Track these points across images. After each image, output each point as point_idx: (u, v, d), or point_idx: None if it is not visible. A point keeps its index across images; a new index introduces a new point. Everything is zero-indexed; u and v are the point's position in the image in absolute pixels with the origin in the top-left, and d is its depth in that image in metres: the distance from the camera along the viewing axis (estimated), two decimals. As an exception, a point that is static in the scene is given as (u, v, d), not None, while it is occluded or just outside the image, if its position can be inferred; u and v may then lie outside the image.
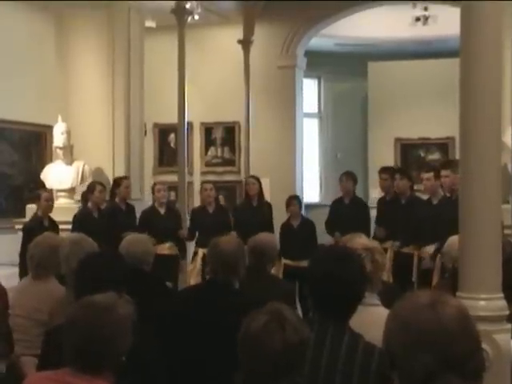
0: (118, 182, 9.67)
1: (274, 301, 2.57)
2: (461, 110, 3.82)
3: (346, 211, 9.56)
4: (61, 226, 8.96)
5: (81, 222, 8.90)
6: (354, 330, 2.97)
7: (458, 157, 4.10)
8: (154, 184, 9.96)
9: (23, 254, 6.84)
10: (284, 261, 9.30)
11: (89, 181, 10.18)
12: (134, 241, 5.03)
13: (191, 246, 10.08)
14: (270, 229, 9.33)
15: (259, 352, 2.35)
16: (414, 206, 8.77)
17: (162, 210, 9.45)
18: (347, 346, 2.91)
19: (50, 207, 9.04)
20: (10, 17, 10.64)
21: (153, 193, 9.62)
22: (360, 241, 3.71)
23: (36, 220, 8.89)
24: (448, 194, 8.19)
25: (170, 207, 9.78)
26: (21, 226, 9.61)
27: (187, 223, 10.14)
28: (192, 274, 9.40)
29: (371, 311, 3.25)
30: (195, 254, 9.56)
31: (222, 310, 3.96)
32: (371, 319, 3.03)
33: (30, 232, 7.80)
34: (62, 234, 7.57)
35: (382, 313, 2.78)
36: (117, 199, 9.55)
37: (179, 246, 9.47)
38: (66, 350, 2.62)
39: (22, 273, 6.97)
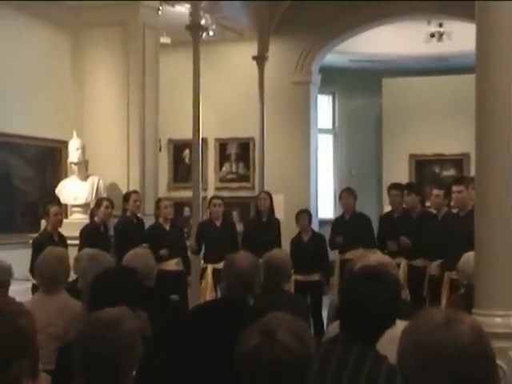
0: (127, 196, 9.71)
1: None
2: (476, 126, 3.80)
3: (347, 227, 9.53)
4: (75, 242, 8.98)
5: (87, 236, 8.92)
6: (379, 352, 2.95)
7: (472, 173, 4.08)
8: (160, 200, 9.92)
9: (33, 268, 6.81)
10: (294, 276, 9.25)
11: (104, 196, 10.18)
12: (135, 256, 5.03)
13: (195, 262, 10.02)
14: (277, 245, 9.19)
15: (253, 368, 2.31)
16: (426, 221, 8.76)
17: (167, 226, 9.45)
18: (370, 367, 2.89)
19: (60, 221, 9.03)
20: (26, 34, 10.72)
21: (157, 208, 9.59)
22: (374, 257, 3.71)
23: (45, 235, 8.89)
24: (455, 210, 8.14)
25: (174, 223, 9.76)
26: (36, 242, 9.62)
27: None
28: (205, 290, 9.35)
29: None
30: (204, 270, 9.51)
31: (236, 326, 3.93)
32: (387, 333, 3.01)
33: (39, 247, 7.75)
34: (71, 249, 7.63)
35: (398, 325, 2.78)
36: (128, 213, 9.59)
37: (184, 262, 9.45)
38: (74, 364, 2.62)
39: (35, 287, 6.95)
